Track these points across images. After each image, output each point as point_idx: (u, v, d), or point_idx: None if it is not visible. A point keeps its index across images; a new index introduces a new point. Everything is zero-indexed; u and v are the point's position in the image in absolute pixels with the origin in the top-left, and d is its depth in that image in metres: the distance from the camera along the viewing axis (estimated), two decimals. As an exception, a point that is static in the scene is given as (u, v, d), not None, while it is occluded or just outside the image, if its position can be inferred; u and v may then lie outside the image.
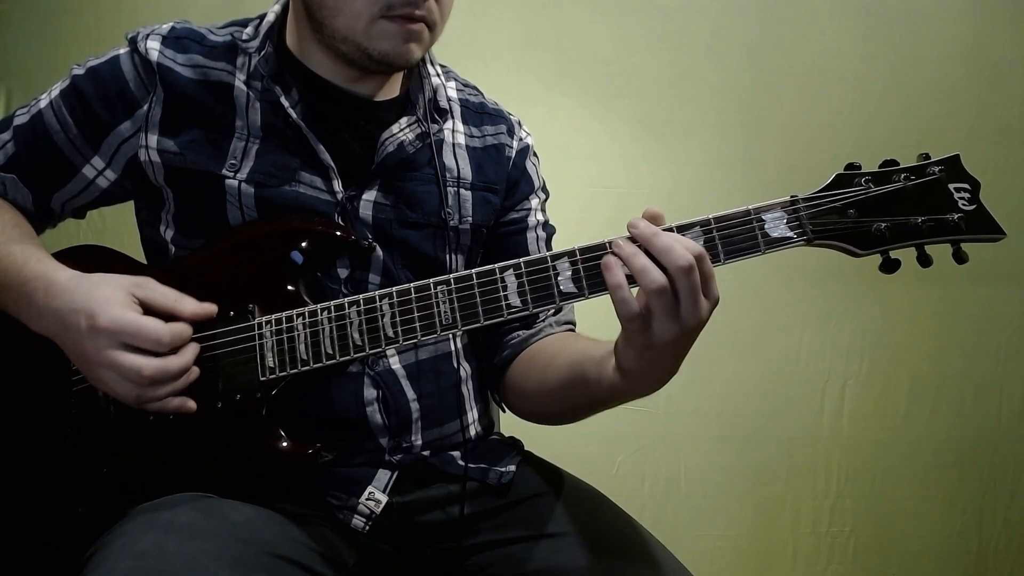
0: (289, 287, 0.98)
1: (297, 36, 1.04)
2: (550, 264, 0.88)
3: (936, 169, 0.85)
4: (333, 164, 1.01)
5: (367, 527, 0.98)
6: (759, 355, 2.03)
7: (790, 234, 0.85)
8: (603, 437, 1.96)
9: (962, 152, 0.86)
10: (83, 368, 0.92)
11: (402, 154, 1.05)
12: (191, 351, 0.92)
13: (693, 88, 1.99)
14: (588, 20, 1.97)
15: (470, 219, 1.09)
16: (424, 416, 1.04)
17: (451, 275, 0.91)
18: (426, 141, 1.07)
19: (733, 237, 0.85)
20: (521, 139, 1.18)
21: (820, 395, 2.05)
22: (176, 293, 0.93)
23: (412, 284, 0.92)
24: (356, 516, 0.98)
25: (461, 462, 1.04)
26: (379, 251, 1.03)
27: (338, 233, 1.00)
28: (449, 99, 1.12)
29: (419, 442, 1.03)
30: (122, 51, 1.03)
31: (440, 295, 0.91)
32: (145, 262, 1.08)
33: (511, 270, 0.89)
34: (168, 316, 0.91)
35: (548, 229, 1.19)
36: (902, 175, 0.85)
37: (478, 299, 0.90)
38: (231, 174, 1.00)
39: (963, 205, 0.84)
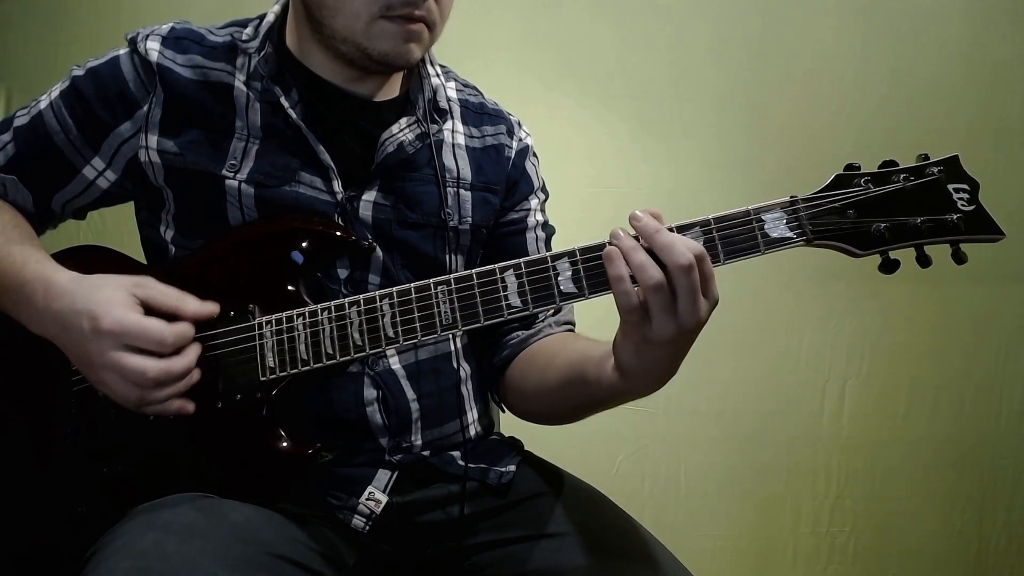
0: (289, 287, 0.98)
1: (297, 36, 1.04)
2: (550, 264, 0.88)
3: (935, 170, 0.85)
4: (333, 164, 1.01)
5: (367, 527, 0.98)
6: (759, 355, 2.03)
7: (790, 234, 0.85)
8: (603, 437, 1.96)
9: (962, 152, 0.86)
10: (84, 370, 0.92)
11: (402, 154, 1.05)
12: (194, 352, 0.92)
13: (693, 88, 1.99)
14: (588, 20, 1.97)
15: (470, 219, 1.09)
16: (424, 416, 1.04)
17: (451, 275, 0.91)
18: (426, 141, 1.07)
19: (733, 237, 0.85)
20: (521, 139, 1.18)
21: (820, 395, 2.05)
22: (177, 292, 0.93)
23: (412, 284, 0.92)
24: (356, 516, 0.98)
25: (461, 462, 1.04)
26: (379, 251, 1.03)
27: (338, 233, 1.00)
28: (449, 99, 1.12)
29: (419, 442, 1.04)
30: (122, 52, 1.03)
31: (440, 295, 0.91)
32: (145, 262, 1.08)
33: (511, 270, 0.89)
34: (170, 316, 0.91)
35: (548, 229, 1.19)
36: (901, 176, 0.85)
37: (478, 299, 0.90)
38: (231, 174, 1.00)
39: (962, 205, 0.84)
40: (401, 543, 1.01)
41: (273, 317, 0.95)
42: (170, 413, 0.92)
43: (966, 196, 0.84)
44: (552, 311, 1.12)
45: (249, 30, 1.05)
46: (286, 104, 1.01)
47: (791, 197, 0.86)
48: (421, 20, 0.97)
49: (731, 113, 2.00)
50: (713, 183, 1.97)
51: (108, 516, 0.91)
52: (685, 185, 1.97)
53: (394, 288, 0.92)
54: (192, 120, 1.01)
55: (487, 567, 1.00)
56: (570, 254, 0.87)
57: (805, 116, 2.00)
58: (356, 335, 0.93)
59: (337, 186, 1.02)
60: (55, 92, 1.04)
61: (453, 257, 1.08)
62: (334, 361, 0.93)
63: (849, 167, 0.86)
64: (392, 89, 1.08)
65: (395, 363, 1.03)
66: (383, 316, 0.92)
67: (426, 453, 1.04)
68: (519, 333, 1.11)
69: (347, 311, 0.93)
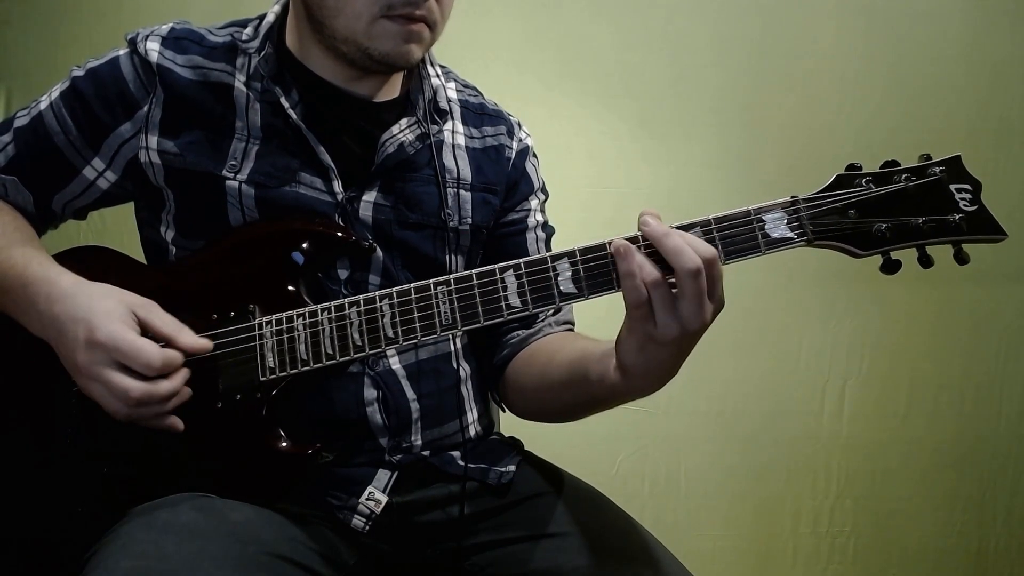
0: (289, 287, 0.98)
1: (297, 36, 1.04)
2: (550, 264, 0.88)
3: (937, 170, 0.85)
4: (333, 165, 1.01)
5: (367, 527, 0.98)
6: (759, 355, 2.03)
7: (790, 235, 0.85)
8: (603, 437, 1.96)
9: (962, 152, 0.86)
10: (75, 377, 0.92)
11: (402, 155, 1.05)
12: (180, 377, 0.92)
13: (693, 88, 1.99)
14: (588, 20, 1.97)
15: (470, 220, 1.09)
16: (424, 416, 1.04)
17: (451, 275, 0.91)
18: (426, 142, 1.07)
19: (733, 238, 0.85)
20: (521, 140, 1.18)
21: (820, 395, 2.05)
22: (177, 323, 0.94)
23: (412, 284, 0.92)
24: (356, 516, 0.98)
25: (461, 462, 1.04)
26: (379, 252, 1.03)
27: (339, 234, 1.00)
28: (449, 100, 1.12)
29: (419, 442, 1.03)
30: (122, 52, 1.03)
31: (440, 295, 0.91)
32: (145, 263, 1.08)
33: (511, 270, 0.89)
34: (163, 342, 0.92)
35: (548, 230, 1.19)
36: (903, 176, 0.85)
37: (478, 299, 0.90)
38: (231, 175, 1.00)
39: (964, 206, 0.84)
40: (401, 543, 1.01)
41: (273, 317, 0.95)
42: (158, 429, 0.93)
43: (968, 196, 0.84)
44: (552, 311, 1.11)
45: (249, 30, 1.05)
46: (286, 104, 1.01)
47: (792, 197, 0.86)
48: (422, 20, 0.97)
49: (731, 113, 1.99)
50: (713, 183, 1.97)
51: (108, 516, 0.91)
52: (685, 185, 1.97)
53: (394, 288, 0.92)
54: (192, 120, 1.01)
55: (487, 567, 1.00)
56: (570, 254, 0.87)
57: (805, 116, 2.00)
58: (356, 335, 0.93)
59: (337, 186, 1.01)
60: (55, 93, 1.04)
61: (453, 258, 1.08)
62: (334, 361, 0.93)
63: (850, 167, 0.86)
64: (392, 90, 1.08)
65: (395, 363, 1.03)
66: (383, 316, 0.92)
67: (426, 453, 1.04)
68: (519, 333, 1.11)
69: (347, 311, 0.93)
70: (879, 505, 2.08)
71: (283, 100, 1.01)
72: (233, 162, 1.00)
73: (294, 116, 1.01)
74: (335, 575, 0.95)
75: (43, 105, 1.04)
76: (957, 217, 0.84)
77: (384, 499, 0.99)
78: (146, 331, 0.92)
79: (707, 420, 2.02)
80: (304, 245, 0.99)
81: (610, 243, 0.85)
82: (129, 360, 0.88)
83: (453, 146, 1.11)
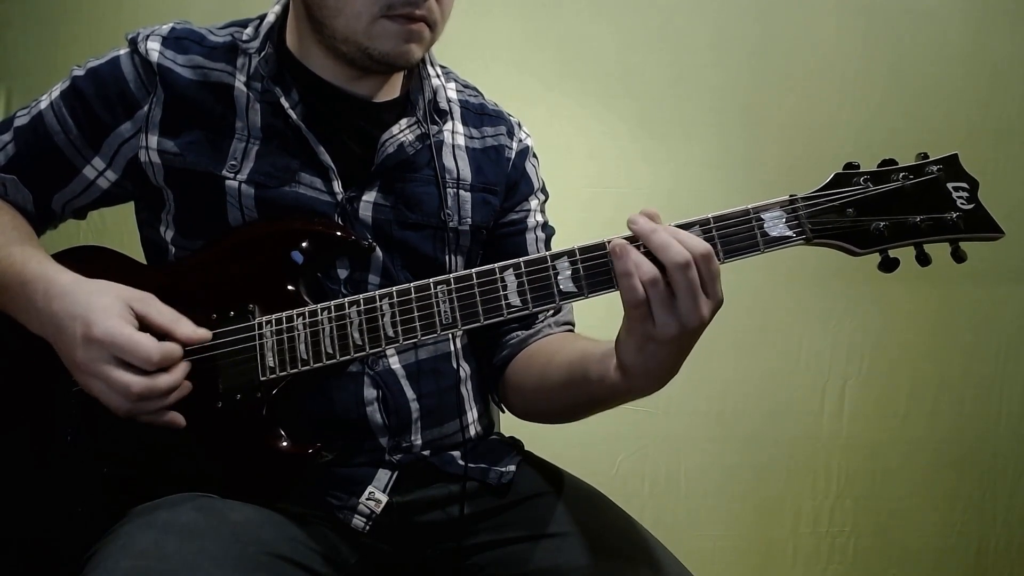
0: (289, 287, 0.98)
1: (297, 36, 1.04)
2: (550, 264, 0.88)
3: (934, 168, 0.85)
4: (333, 165, 1.01)
5: (367, 527, 0.98)
6: (759, 355, 2.03)
7: (789, 233, 0.85)
8: (603, 437, 1.96)
9: (962, 152, 0.86)
10: (75, 374, 0.92)
11: (402, 155, 1.05)
12: (181, 370, 0.92)
13: (693, 88, 1.99)
14: (588, 20, 1.97)
15: (469, 220, 1.09)
16: (424, 416, 1.04)
17: (451, 275, 0.91)
18: (426, 142, 1.07)
19: (732, 236, 0.85)
20: (521, 140, 1.18)
21: (820, 395, 2.05)
22: (174, 313, 0.94)
23: (412, 284, 0.92)
24: (356, 516, 0.98)
25: (461, 462, 1.04)
26: (379, 252, 1.03)
27: (338, 234, 1.00)
28: (449, 100, 1.12)
29: (419, 442, 1.04)
30: (122, 52, 1.03)
31: (440, 295, 0.91)
32: (145, 263, 1.08)
33: (511, 270, 0.89)
34: (162, 335, 0.92)
35: (547, 230, 1.19)
36: (901, 174, 0.85)
37: (478, 299, 0.90)
38: (231, 175, 1.00)
39: (961, 204, 0.84)
40: (401, 543, 1.01)
41: (273, 317, 0.95)
42: (159, 425, 0.93)
43: (965, 195, 0.84)
44: (552, 311, 1.12)
45: (249, 30, 1.05)
46: (286, 104, 1.01)
47: (790, 196, 0.86)
48: (422, 20, 0.97)
49: (731, 113, 1.99)
50: (713, 183, 1.97)
51: (108, 516, 0.91)
52: (685, 185, 1.97)
53: (394, 288, 0.93)
54: (192, 120, 1.01)
55: (487, 567, 1.00)
56: (569, 253, 0.87)
57: (805, 116, 2.00)
58: (356, 335, 0.93)
59: (337, 186, 1.02)
60: (55, 92, 1.04)
61: (453, 258, 1.08)
62: (334, 361, 0.93)
63: (848, 166, 0.86)
64: (392, 90, 1.08)
65: (395, 363, 1.03)
66: (383, 316, 0.92)
67: (426, 453, 1.04)
68: (519, 333, 1.11)
69: (347, 311, 0.93)
70: (879, 505, 2.08)
71: (283, 100, 1.01)
72: (233, 162, 1.00)
73: (294, 116, 1.01)
74: (335, 575, 0.95)
75: (43, 104, 1.04)
76: (954, 215, 0.84)
77: (384, 499, 0.99)
78: (144, 325, 0.91)
79: (707, 420, 2.02)
80: (304, 245, 0.99)
81: (609, 242, 0.85)
82: (127, 355, 0.88)
83: (453, 146, 1.11)
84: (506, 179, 1.14)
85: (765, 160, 1.98)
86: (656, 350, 0.83)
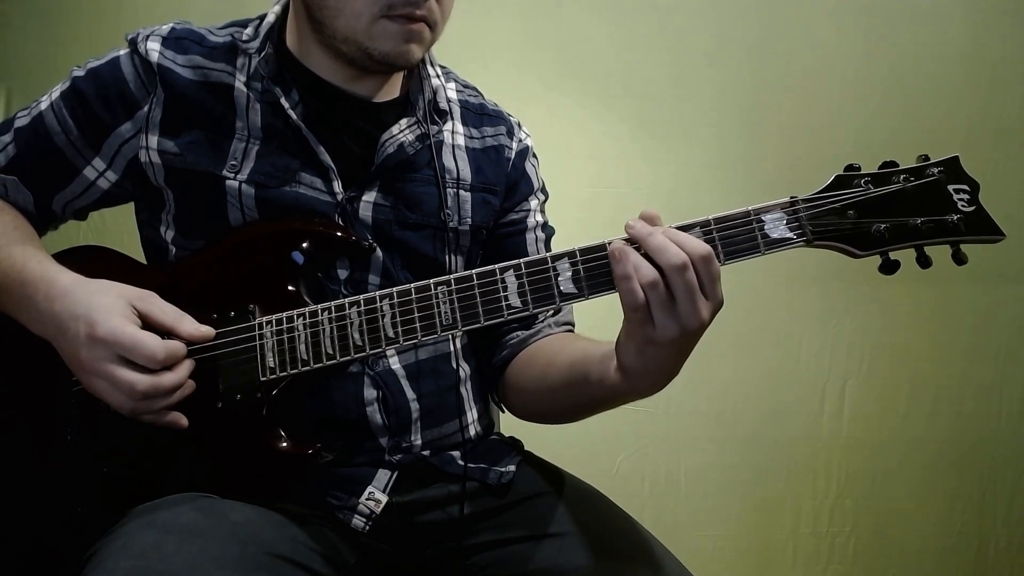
0: (290, 287, 0.98)
1: (297, 36, 1.04)
2: (550, 265, 0.88)
3: (935, 170, 0.85)
4: (333, 165, 1.01)
5: (367, 527, 0.98)
6: (759, 355, 2.03)
7: (790, 235, 0.85)
8: (603, 437, 1.96)
9: (962, 152, 0.86)
10: (78, 374, 0.92)
11: (402, 155, 1.05)
12: (185, 368, 0.92)
13: (693, 88, 1.99)
14: (588, 20, 1.97)
15: (469, 220, 1.09)
16: (424, 416, 1.04)
17: (451, 275, 0.91)
18: (426, 142, 1.07)
19: (733, 238, 0.85)
20: (520, 140, 1.18)
21: (820, 395, 2.05)
22: (177, 311, 0.94)
23: (412, 284, 0.92)
24: (356, 516, 0.98)
25: (461, 462, 1.04)
26: (379, 252, 1.03)
27: (339, 234, 1.00)
28: (449, 100, 1.12)
29: (419, 442, 1.04)
30: (122, 52, 1.03)
31: (440, 295, 0.91)
32: (145, 263, 1.08)
33: (511, 271, 0.89)
34: (165, 333, 0.92)
35: (547, 230, 1.19)
36: (901, 176, 0.85)
37: (478, 299, 0.90)
38: (231, 175, 1.00)
39: (962, 206, 0.84)
40: (401, 543, 1.01)
41: (273, 317, 0.95)
42: (162, 425, 0.93)
43: (966, 197, 0.84)
44: (552, 312, 1.12)
45: (249, 30, 1.05)
46: (286, 105, 1.01)
47: (791, 198, 0.86)
48: (422, 20, 0.97)
49: (731, 113, 2.00)
50: (713, 183, 1.97)
51: (108, 516, 0.91)
52: (685, 185, 1.97)
53: (394, 288, 0.93)
54: (192, 120, 1.01)
55: (487, 567, 1.00)
56: (570, 254, 0.87)
57: (805, 116, 2.00)
58: (356, 335, 0.93)
59: (337, 187, 1.02)
60: (56, 93, 1.04)
61: (453, 258, 1.08)
62: (334, 361, 0.93)
63: (849, 168, 0.86)
64: (392, 90, 1.08)
65: (395, 363, 1.03)
66: (383, 316, 0.92)
67: (426, 453, 1.04)
68: (519, 333, 1.11)
69: (347, 311, 0.93)
70: (879, 505, 2.08)
71: (283, 100, 1.01)
72: (233, 162, 1.00)
73: (294, 116, 1.01)
74: (335, 575, 0.95)
75: (43, 105, 1.04)
76: (955, 218, 0.84)
77: (384, 499, 0.99)
78: (147, 323, 0.91)
79: (707, 420, 2.02)
80: (304, 245, 0.99)
81: (610, 243, 0.85)
82: (132, 354, 0.88)
83: (453, 146, 1.11)
84: (506, 179, 1.14)
85: (765, 160, 1.98)
86: (656, 352, 0.83)
